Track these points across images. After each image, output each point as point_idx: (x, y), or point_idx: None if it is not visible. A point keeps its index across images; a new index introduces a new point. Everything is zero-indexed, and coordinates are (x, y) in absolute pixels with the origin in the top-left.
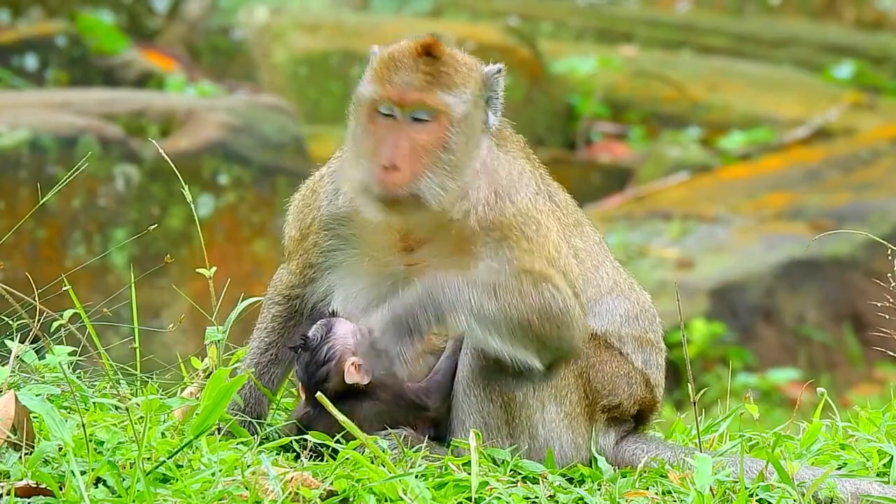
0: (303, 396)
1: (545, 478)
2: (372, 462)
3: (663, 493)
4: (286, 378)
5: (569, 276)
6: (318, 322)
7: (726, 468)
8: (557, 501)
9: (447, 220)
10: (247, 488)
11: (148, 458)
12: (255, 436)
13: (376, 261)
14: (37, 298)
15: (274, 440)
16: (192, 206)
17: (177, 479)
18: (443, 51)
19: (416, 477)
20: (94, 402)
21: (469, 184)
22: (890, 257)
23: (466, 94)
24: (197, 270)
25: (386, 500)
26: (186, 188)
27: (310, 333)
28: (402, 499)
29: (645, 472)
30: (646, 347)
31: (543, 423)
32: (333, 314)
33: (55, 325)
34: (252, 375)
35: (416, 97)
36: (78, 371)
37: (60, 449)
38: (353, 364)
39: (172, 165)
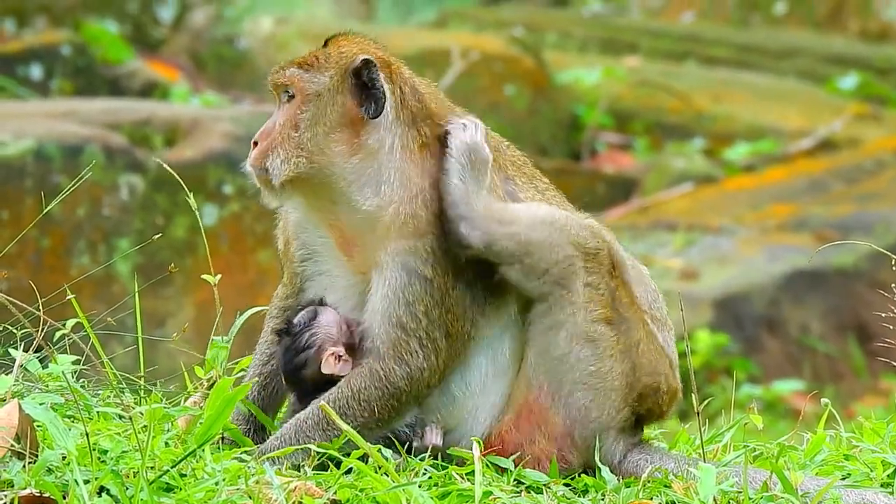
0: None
1: (549, 487)
2: (376, 471)
3: None
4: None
5: (452, 325)
6: (305, 309)
7: (730, 478)
8: None
9: (359, 217)
10: (250, 497)
11: (151, 468)
12: (259, 445)
13: (340, 270)
14: (41, 307)
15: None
16: (198, 214)
17: (180, 489)
18: (332, 42)
19: (420, 486)
20: (97, 411)
21: (334, 171)
22: (894, 268)
23: (324, 76)
24: (202, 277)
25: None
26: (192, 197)
27: (295, 319)
28: None
29: (649, 482)
30: (655, 324)
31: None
32: (322, 303)
33: (58, 334)
34: (254, 387)
35: (275, 73)
36: (82, 380)
37: (64, 458)
38: (332, 354)
39: (178, 178)
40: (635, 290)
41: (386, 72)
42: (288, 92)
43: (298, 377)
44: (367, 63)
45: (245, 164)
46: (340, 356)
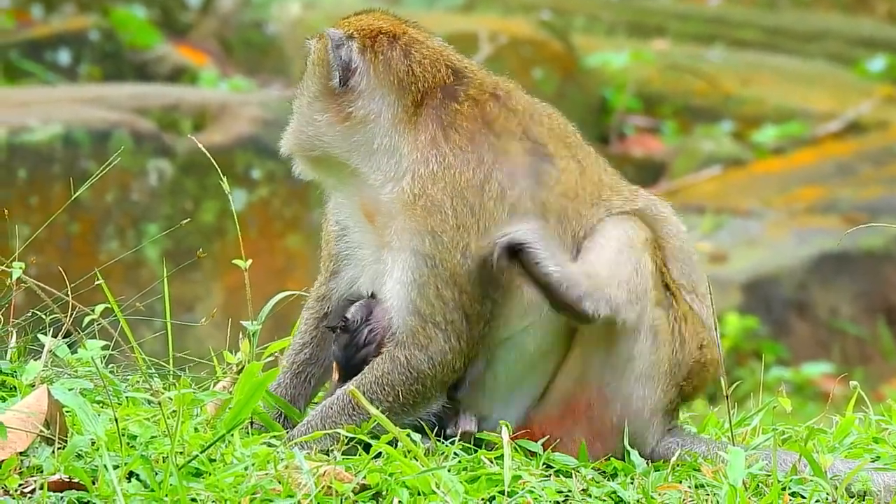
0: (336, 378)
1: (578, 471)
2: (405, 456)
3: (696, 487)
4: (323, 379)
5: (470, 306)
6: (358, 303)
7: (759, 461)
8: (590, 495)
9: (371, 191)
10: (280, 482)
11: (180, 453)
12: (289, 430)
13: (368, 243)
14: (70, 293)
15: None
16: (230, 197)
17: (209, 474)
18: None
19: (449, 470)
20: (126, 397)
21: (325, 141)
22: None
23: (313, 50)
24: (233, 262)
25: (419, 494)
26: (225, 180)
27: (349, 315)
28: (434, 492)
29: (678, 465)
30: (687, 294)
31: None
32: (373, 296)
33: (87, 319)
34: (287, 375)
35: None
36: (111, 365)
37: (93, 443)
38: None
39: (212, 159)
40: (670, 264)
41: (365, 42)
42: None
43: (359, 372)
44: (322, 38)
45: None
46: None
